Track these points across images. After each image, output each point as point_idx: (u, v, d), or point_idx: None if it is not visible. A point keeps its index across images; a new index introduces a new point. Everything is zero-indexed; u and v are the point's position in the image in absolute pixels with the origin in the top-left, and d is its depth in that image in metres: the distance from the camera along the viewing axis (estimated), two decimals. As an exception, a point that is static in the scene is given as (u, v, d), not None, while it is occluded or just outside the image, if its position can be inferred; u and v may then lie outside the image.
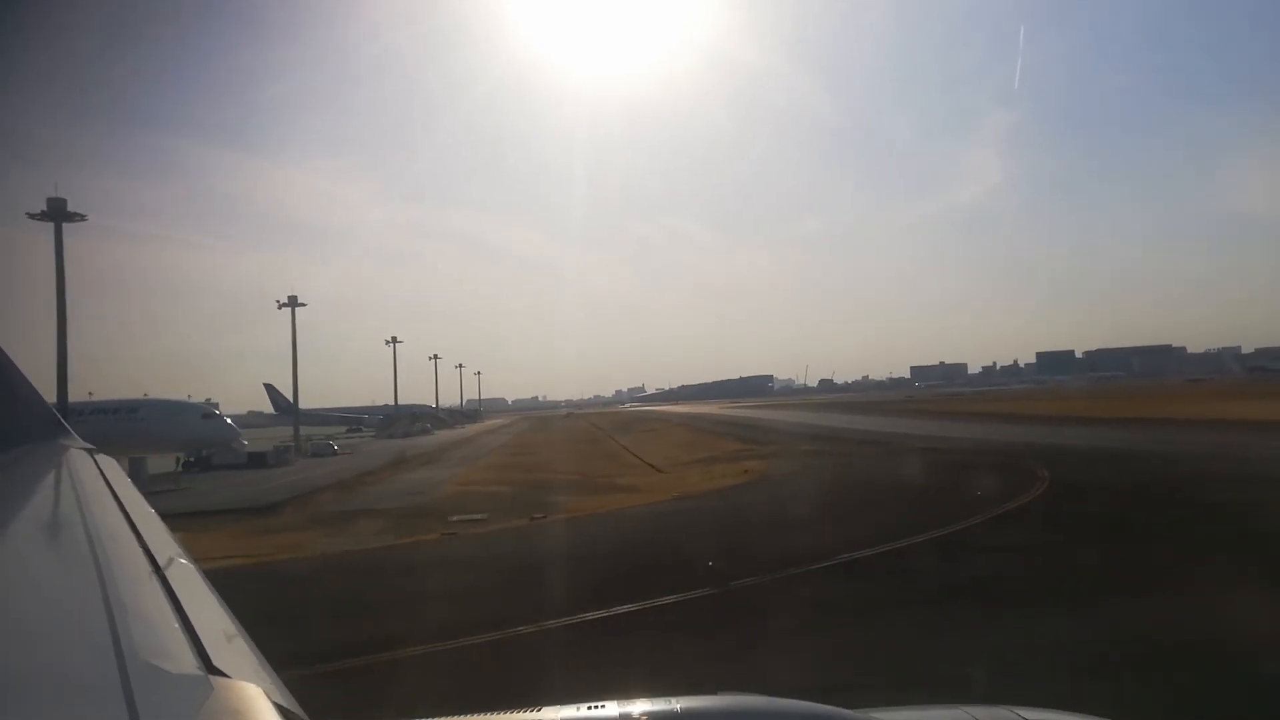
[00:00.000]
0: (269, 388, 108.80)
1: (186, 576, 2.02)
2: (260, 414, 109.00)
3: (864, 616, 11.27)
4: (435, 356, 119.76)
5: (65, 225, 38.71)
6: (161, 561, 2.06)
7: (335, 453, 56.52)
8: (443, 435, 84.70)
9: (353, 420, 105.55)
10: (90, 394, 48.25)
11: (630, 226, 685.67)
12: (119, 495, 2.95)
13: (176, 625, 1.59)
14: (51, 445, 3.91)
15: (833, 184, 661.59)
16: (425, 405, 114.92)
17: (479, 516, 23.13)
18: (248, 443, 50.26)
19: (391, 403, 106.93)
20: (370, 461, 47.65)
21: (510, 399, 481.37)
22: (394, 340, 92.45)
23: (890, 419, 70.33)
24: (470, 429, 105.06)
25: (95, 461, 3.62)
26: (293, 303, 60.13)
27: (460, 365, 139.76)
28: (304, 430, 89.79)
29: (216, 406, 53.59)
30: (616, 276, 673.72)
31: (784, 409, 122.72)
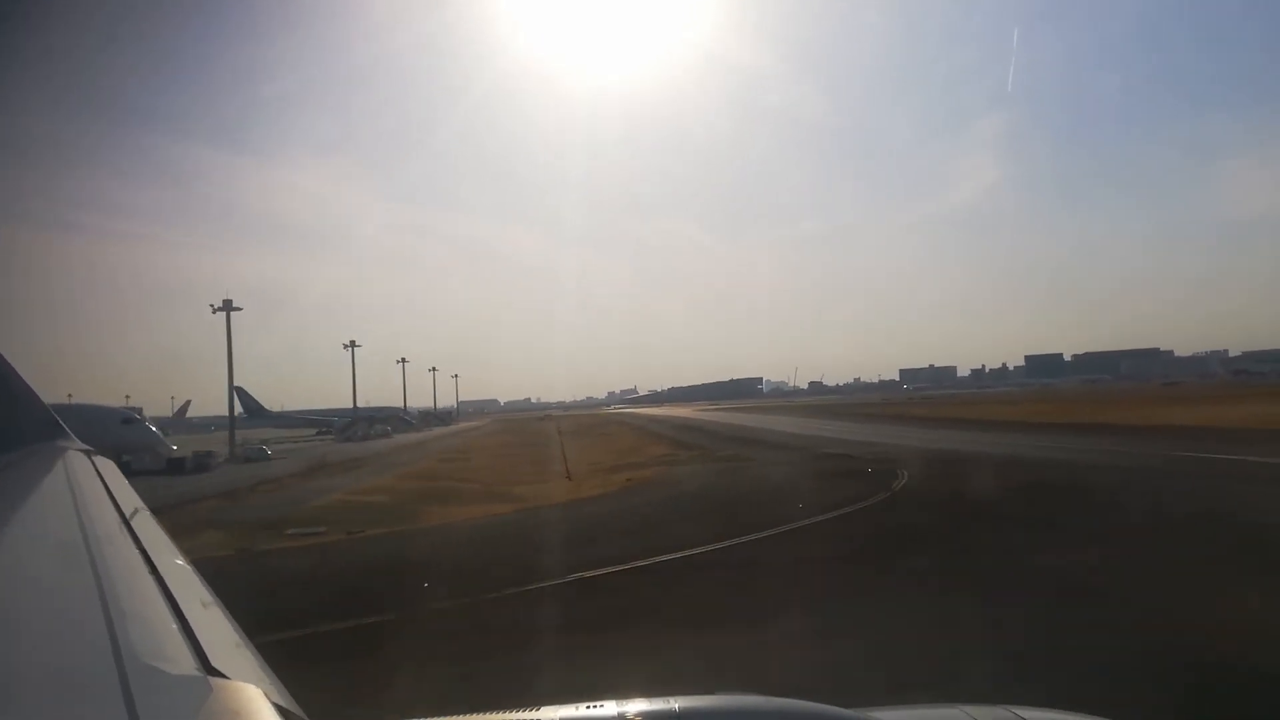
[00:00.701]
0: (238, 390, 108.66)
1: (185, 578, 2.02)
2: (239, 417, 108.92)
3: (490, 646, 10.27)
4: (403, 360, 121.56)
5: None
6: (159, 563, 2.05)
7: (268, 457, 56.08)
8: (399, 439, 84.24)
9: (321, 423, 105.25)
10: (69, 396, 48.77)
11: (623, 228, 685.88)
12: (116, 497, 2.95)
13: (175, 627, 1.59)
14: (50, 447, 3.87)
15: (827, 186, 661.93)
16: (394, 408, 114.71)
17: (319, 530, 22.68)
18: (176, 447, 50.19)
19: (373, 404, 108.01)
20: (288, 467, 47.18)
21: (503, 400, 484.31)
22: (352, 344, 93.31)
23: (841, 422, 70.76)
24: (435, 432, 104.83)
25: (93, 463, 3.62)
26: (227, 306, 59.78)
27: (434, 369, 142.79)
28: (277, 432, 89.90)
29: (139, 411, 53.55)
30: (610, 278, 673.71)
31: (755, 412, 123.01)
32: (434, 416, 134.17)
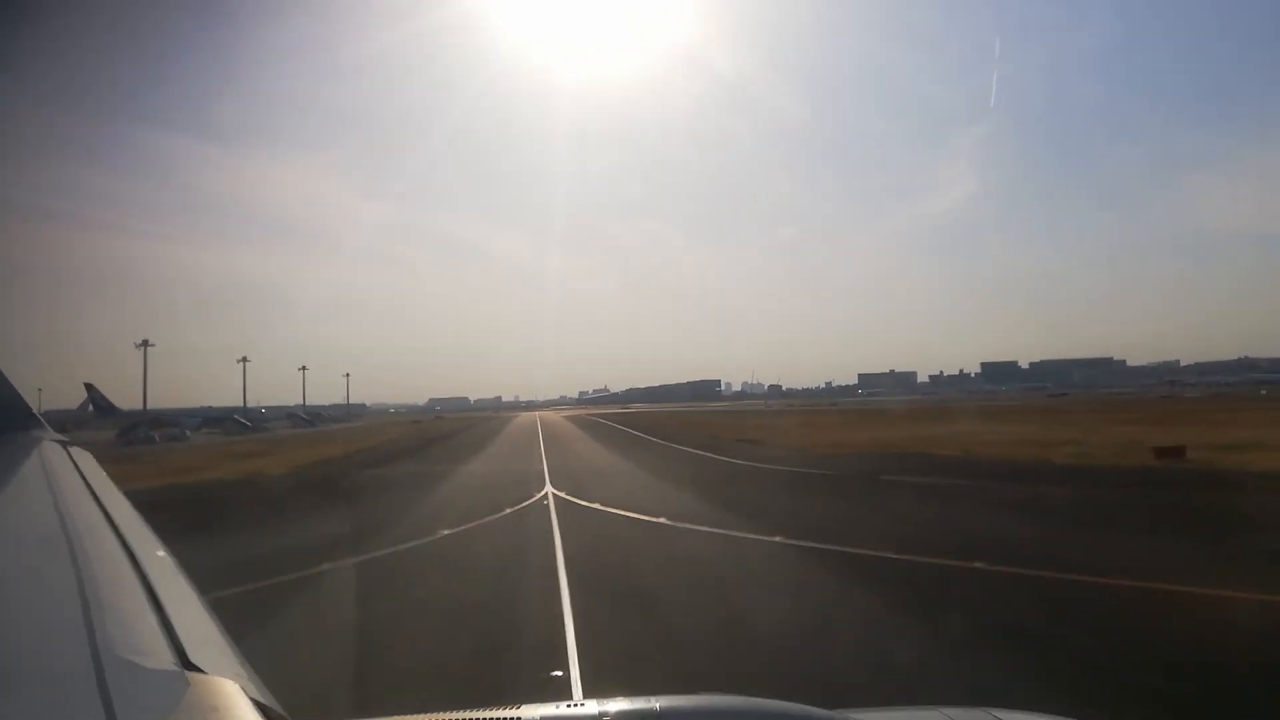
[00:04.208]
0: (89, 387, 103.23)
1: (164, 571, 1.92)
2: (89, 413, 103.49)
3: None
4: (303, 368, 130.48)
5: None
6: (139, 556, 1.93)
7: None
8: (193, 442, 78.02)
9: (170, 423, 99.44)
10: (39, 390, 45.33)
11: (599, 230, 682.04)
12: (94, 489, 2.74)
13: (154, 621, 1.53)
14: (25, 437, 3.50)
15: (802, 194, 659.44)
16: (234, 407, 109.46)
17: None
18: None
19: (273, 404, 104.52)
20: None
21: (473, 398, 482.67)
22: (244, 360, 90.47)
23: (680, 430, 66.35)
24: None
25: (69, 454, 3.30)
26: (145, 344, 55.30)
27: (347, 374, 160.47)
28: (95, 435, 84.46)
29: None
30: (586, 280, 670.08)
31: (641, 412, 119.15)
32: (299, 418, 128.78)
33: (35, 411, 3.94)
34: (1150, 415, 59.10)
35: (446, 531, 16.44)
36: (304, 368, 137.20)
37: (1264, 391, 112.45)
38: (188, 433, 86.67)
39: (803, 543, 13.97)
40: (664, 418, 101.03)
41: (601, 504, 19.74)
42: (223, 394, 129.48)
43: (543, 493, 22.65)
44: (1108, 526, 15.21)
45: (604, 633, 8.87)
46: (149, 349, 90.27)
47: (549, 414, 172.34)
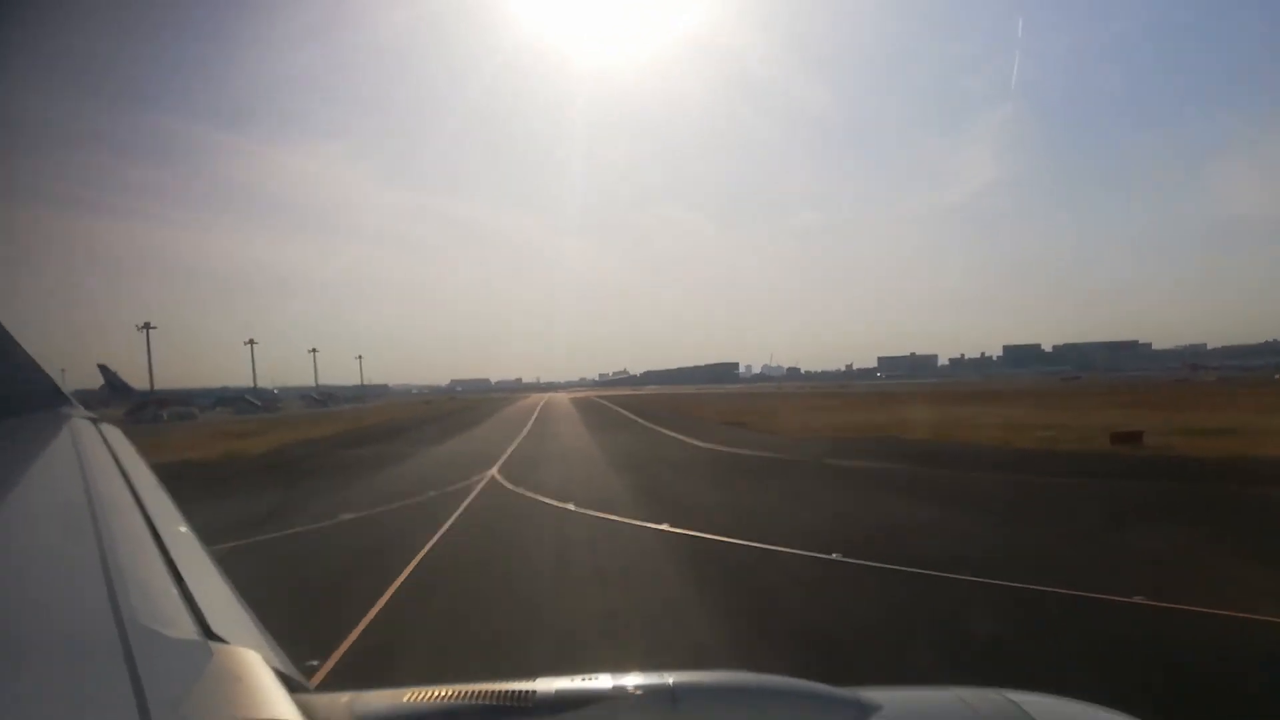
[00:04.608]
0: (103, 369, 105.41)
1: (187, 545, 1.99)
2: (101, 391, 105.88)
3: None
4: (314, 350, 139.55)
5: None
6: (163, 530, 2.00)
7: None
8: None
9: (180, 403, 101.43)
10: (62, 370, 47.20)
11: (621, 215, 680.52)
12: (122, 464, 2.76)
13: (177, 593, 1.59)
14: (53, 414, 3.53)
15: (825, 177, 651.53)
16: (244, 388, 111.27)
17: None
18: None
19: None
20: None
21: (494, 379, 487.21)
22: (251, 342, 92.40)
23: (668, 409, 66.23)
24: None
25: (99, 430, 3.33)
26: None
27: (360, 357, 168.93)
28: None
29: None
30: (607, 264, 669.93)
31: (637, 396, 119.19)
32: (311, 399, 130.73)
33: (63, 390, 3.98)
34: (1150, 399, 58.12)
35: (347, 516, 16.56)
36: (314, 350, 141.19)
37: (1279, 376, 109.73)
38: (195, 411, 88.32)
39: (677, 529, 13.90)
40: (667, 400, 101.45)
41: (528, 489, 19.78)
42: (247, 376, 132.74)
43: (482, 476, 22.78)
44: (1002, 516, 14.91)
45: (392, 622, 8.91)
46: (156, 332, 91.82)
47: (560, 396, 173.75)
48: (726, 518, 14.77)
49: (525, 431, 45.88)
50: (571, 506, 16.82)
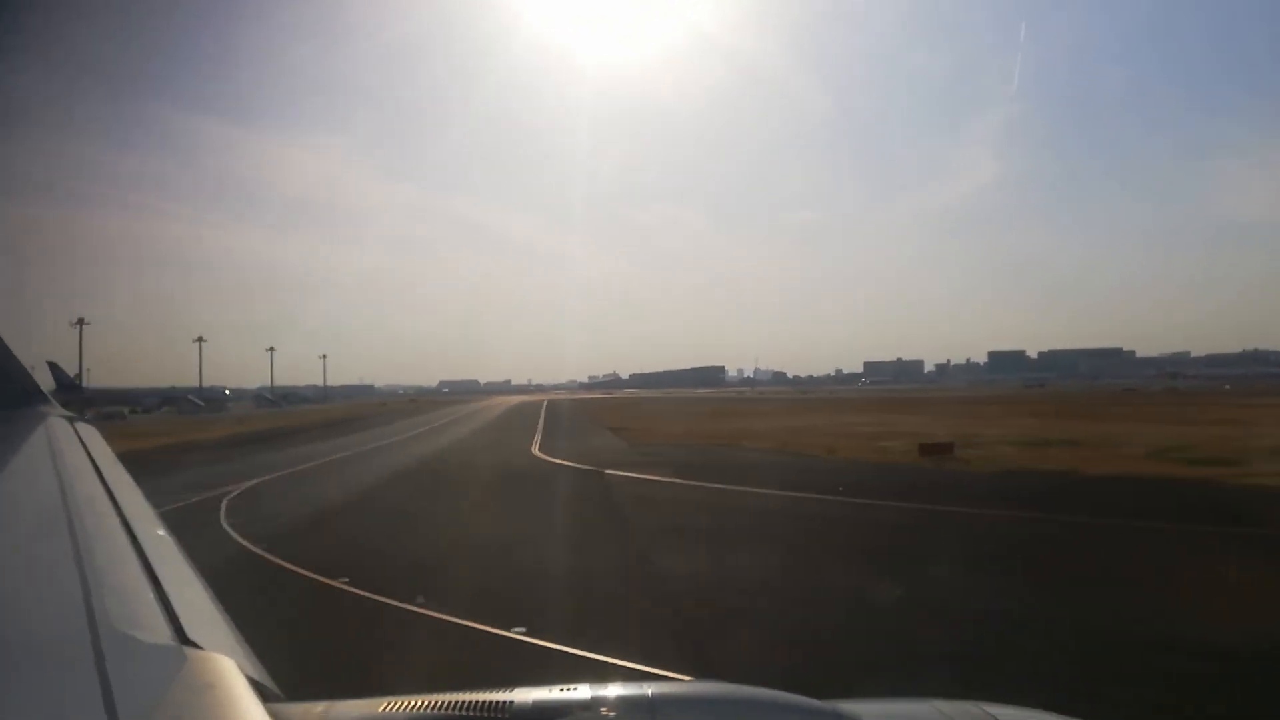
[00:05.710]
0: (51, 365, 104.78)
1: (163, 548, 1.95)
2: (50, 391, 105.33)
3: None
4: (271, 349, 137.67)
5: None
6: (139, 533, 1.97)
7: None
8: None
9: (129, 401, 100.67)
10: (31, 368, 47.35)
11: (608, 215, 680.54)
12: (98, 465, 2.76)
13: (151, 596, 1.56)
14: (29, 412, 3.55)
15: (812, 180, 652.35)
16: (189, 387, 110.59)
17: None
18: None
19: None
20: None
21: (483, 381, 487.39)
22: (200, 340, 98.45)
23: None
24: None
25: (75, 430, 3.32)
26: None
27: (324, 356, 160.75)
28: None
29: None
30: (598, 265, 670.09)
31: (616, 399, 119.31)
32: (264, 399, 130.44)
33: (42, 388, 4.01)
34: (1075, 411, 57.75)
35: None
36: (271, 349, 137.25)
37: (1228, 386, 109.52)
38: (124, 412, 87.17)
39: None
40: (613, 405, 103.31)
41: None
42: (249, 375, 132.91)
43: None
44: (697, 535, 14.41)
45: None
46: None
47: (535, 398, 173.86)
48: (415, 532, 14.54)
49: (424, 429, 46.43)
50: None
